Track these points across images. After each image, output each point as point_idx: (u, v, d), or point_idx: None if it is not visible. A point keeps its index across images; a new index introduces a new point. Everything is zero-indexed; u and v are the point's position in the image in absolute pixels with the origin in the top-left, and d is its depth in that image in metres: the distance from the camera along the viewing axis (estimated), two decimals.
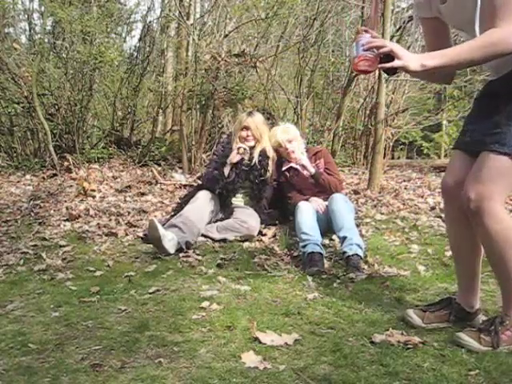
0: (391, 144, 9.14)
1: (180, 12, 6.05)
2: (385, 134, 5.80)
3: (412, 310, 1.98)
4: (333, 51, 9.41)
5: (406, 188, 5.72)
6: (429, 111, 10.83)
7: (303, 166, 3.46)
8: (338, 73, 8.87)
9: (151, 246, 3.05)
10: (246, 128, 3.60)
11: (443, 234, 3.50)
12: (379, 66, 1.58)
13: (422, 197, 5.08)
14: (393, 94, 7.26)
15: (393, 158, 10.86)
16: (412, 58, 1.55)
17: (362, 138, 8.33)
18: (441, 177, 7.95)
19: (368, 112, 8.04)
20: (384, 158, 5.74)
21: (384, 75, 4.92)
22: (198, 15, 7.42)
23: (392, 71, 1.64)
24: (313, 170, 3.45)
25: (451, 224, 1.97)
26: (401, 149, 13.00)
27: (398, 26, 6.81)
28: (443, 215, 4.02)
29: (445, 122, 13.59)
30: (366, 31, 1.63)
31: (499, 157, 1.64)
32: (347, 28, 9.17)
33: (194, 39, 5.73)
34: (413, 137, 13.16)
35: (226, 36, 6.25)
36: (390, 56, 1.55)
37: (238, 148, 3.50)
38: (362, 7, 7.11)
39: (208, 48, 5.80)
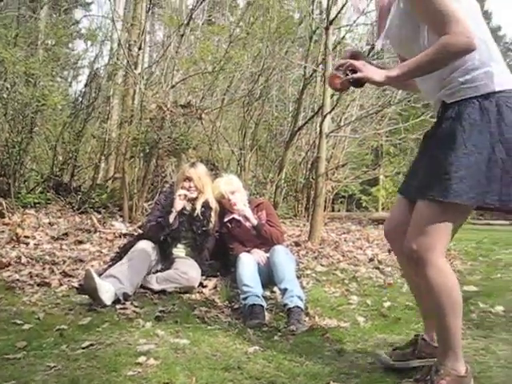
0: (331, 197, 9.42)
1: (128, 61, 6.09)
2: (325, 187, 5.98)
3: (383, 351, 2.05)
4: (276, 106, 9.72)
5: (345, 240, 5.86)
6: (367, 166, 11.31)
7: (246, 218, 3.48)
8: (281, 127, 9.14)
9: (87, 297, 2.91)
10: (189, 179, 3.60)
11: (381, 285, 3.59)
12: (346, 77, 1.74)
13: (361, 249, 5.21)
14: (333, 149, 7.55)
15: (333, 210, 11.16)
16: (376, 72, 1.71)
17: (303, 191, 8.54)
18: (379, 229, 8.23)
19: (309, 166, 8.27)
20: (324, 210, 5.88)
21: (325, 130, 5.12)
22: (145, 65, 7.53)
23: (359, 84, 1.78)
24: (255, 222, 3.47)
25: (403, 266, 2.04)
26: (341, 202, 13.41)
27: None
28: (381, 266, 4.17)
29: (382, 177, 14.22)
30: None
31: (436, 205, 1.68)
32: (290, 85, 9.55)
33: (140, 88, 5.76)
34: (352, 190, 13.63)
35: (172, 87, 6.33)
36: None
37: (179, 195, 3.49)
38: (305, 66, 7.45)
39: (154, 97, 5.84)
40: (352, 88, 1.88)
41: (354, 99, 8.54)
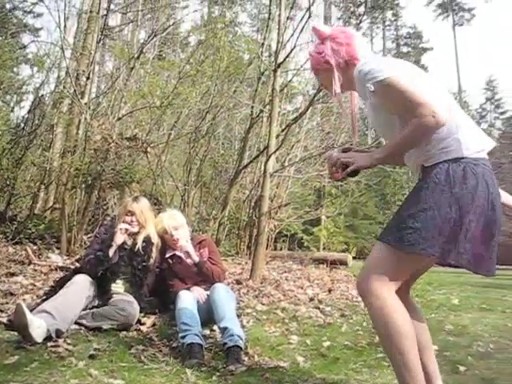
0: (274, 235, 9.50)
1: (75, 90, 6.00)
2: (268, 225, 6.03)
3: None
4: (223, 144, 9.83)
5: (286, 279, 5.90)
6: (309, 206, 11.54)
7: (187, 254, 3.45)
8: (226, 164, 9.21)
9: (16, 333, 2.75)
10: (131, 213, 3.54)
11: (321, 325, 3.63)
12: (343, 173, 1.97)
13: (302, 288, 5.26)
14: (277, 188, 7.67)
15: (275, 249, 11.22)
16: (364, 159, 1.92)
17: (246, 229, 8.57)
18: (320, 269, 8.32)
19: (253, 204, 8.34)
20: (267, 248, 5.93)
21: (269, 170, 5.21)
22: (93, 95, 7.43)
23: (354, 173, 1.99)
24: (197, 259, 3.44)
25: None
26: (283, 240, 13.52)
27: (283, 126, 7.33)
28: (321, 306, 4.22)
29: (323, 217, 14.53)
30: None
31: (387, 249, 1.80)
32: (237, 123, 9.71)
33: (86, 118, 5.67)
34: (294, 229, 13.81)
35: (119, 119, 6.28)
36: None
37: (120, 229, 3.42)
38: (252, 106, 7.61)
39: (100, 129, 5.75)
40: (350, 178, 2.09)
41: (298, 140, 8.78)
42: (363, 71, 1.85)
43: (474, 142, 1.83)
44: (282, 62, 5.50)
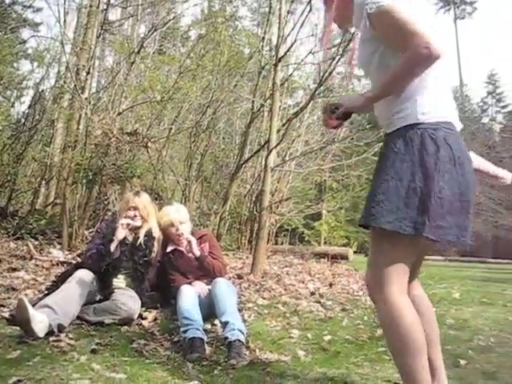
0: (275, 230, 9.51)
1: (75, 85, 5.99)
2: (269, 220, 6.03)
3: None
4: (223, 138, 9.81)
5: (287, 273, 5.91)
6: (310, 201, 11.54)
7: (190, 246, 3.45)
8: (227, 159, 9.21)
9: (18, 328, 2.75)
10: (134, 208, 3.54)
11: (322, 319, 3.64)
12: (335, 115, 1.92)
13: (303, 282, 5.27)
14: (278, 182, 7.66)
15: (276, 243, 11.25)
16: (354, 98, 1.92)
17: (247, 224, 8.58)
18: (321, 263, 8.33)
19: (254, 198, 8.34)
20: (268, 243, 5.93)
21: (270, 164, 5.22)
22: (93, 90, 7.41)
23: (346, 116, 1.96)
24: (198, 253, 3.44)
25: None
26: (284, 235, 13.54)
27: (284, 121, 7.33)
28: (322, 300, 4.23)
29: (324, 212, 14.53)
30: None
31: (377, 235, 1.73)
32: (238, 118, 9.69)
33: (86, 113, 5.66)
34: (295, 224, 13.81)
35: (119, 114, 6.27)
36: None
37: (122, 224, 3.42)
38: (253, 101, 7.60)
39: (100, 123, 5.75)
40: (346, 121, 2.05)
41: (299, 135, 8.77)
42: None
43: (434, 107, 1.74)
44: (282, 56, 5.48)
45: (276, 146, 5.47)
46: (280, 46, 5.48)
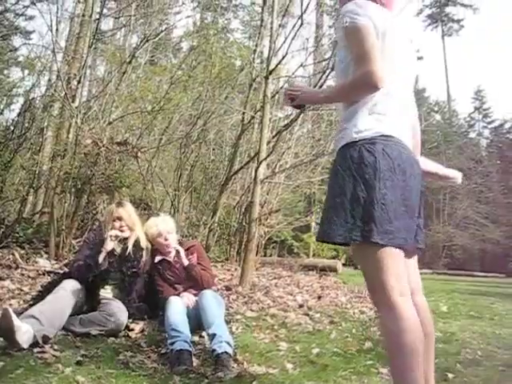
0: (263, 242, 9.49)
1: (66, 94, 5.97)
2: (258, 232, 6.02)
3: None
4: (213, 149, 9.81)
5: (276, 285, 5.89)
6: (299, 213, 11.56)
7: (178, 256, 3.44)
8: (217, 170, 9.21)
9: (1, 339, 2.71)
10: (119, 218, 3.51)
11: (310, 332, 3.63)
12: (289, 104, 2.08)
13: (291, 294, 5.25)
14: (267, 194, 7.66)
15: (265, 255, 11.23)
16: (309, 95, 2.03)
17: (236, 235, 8.55)
18: (309, 275, 8.32)
19: (243, 210, 8.33)
20: (256, 255, 5.92)
21: (260, 176, 5.23)
22: (84, 99, 7.39)
23: (300, 106, 2.14)
24: (186, 262, 3.43)
25: None
26: (273, 247, 13.53)
27: (274, 133, 7.35)
28: (310, 313, 4.22)
29: (313, 224, 14.56)
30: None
31: (357, 249, 1.78)
32: (228, 129, 9.71)
33: (76, 122, 5.64)
34: (284, 236, 13.80)
35: (110, 123, 6.25)
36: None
37: (111, 235, 3.39)
38: (243, 112, 7.63)
39: (90, 133, 5.73)
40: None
41: (289, 147, 8.80)
42: (347, 7, 1.88)
43: (370, 124, 1.82)
44: (273, 69, 5.52)
45: (266, 158, 5.48)
46: (271, 59, 5.52)
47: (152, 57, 10.02)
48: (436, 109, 36.41)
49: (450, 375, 2.64)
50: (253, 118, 7.67)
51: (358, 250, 1.78)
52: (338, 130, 1.93)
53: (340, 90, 1.92)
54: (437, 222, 25.84)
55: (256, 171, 5.37)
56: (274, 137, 6.99)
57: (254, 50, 6.97)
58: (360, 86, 1.80)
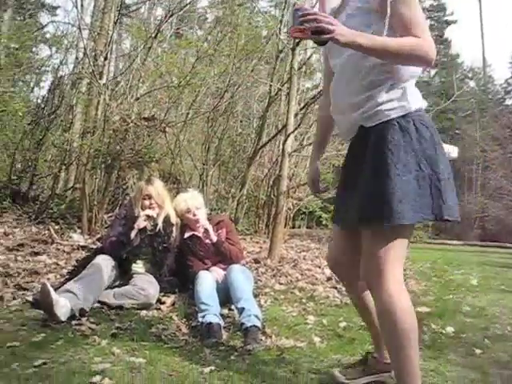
0: (292, 214, 9.52)
1: (93, 71, 6.02)
2: (286, 205, 6.04)
3: (336, 370, 2.14)
4: (241, 121, 9.79)
5: (304, 258, 5.92)
6: (328, 184, 11.49)
7: (206, 233, 3.49)
8: (244, 143, 9.20)
9: (41, 311, 2.84)
10: (149, 196, 3.57)
11: (338, 305, 3.66)
12: (311, 36, 1.60)
13: (320, 267, 5.28)
14: (295, 167, 7.63)
15: (293, 227, 11.26)
16: (344, 33, 1.60)
17: (264, 207, 8.58)
18: None
19: (271, 182, 8.34)
20: (285, 227, 5.94)
21: (288, 149, 5.20)
22: (111, 74, 7.44)
23: (322, 42, 1.66)
24: (215, 238, 3.48)
25: (349, 293, 2.19)
26: (301, 218, 13.52)
27: (302, 105, 7.28)
28: (338, 286, 4.25)
29: None
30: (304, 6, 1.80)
31: (381, 232, 1.72)
32: (256, 101, 9.65)
33: (105, 99, 5.70)
34: (313, 207, 13.78)
35: (137, 99, 6.30)
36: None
37: (143, 215, 3.47)
38: (270, 85, 7.56)
39: (118, 109, 5.78)
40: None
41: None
42: None
43: (415, 95, 1.80)
44: (300, 40, 5.42)
45: (293, 132, 5.44)
46: None
47: (177, 29, 9.97)
48: (470, 75, 35.17)
49: (478, 350, 2.64)
50: (279, 90, 7.60)
51: (389, 230, 1.69)
52: (374, 99, 1.75)
53: (392, 47, 1.63)
54: (469, 192, 25.33)
55: (284, 145, 5.34)
56: (301, 109, 6.92)
57: (281, 21, 6.83)
58: (420, 54, 1.64)
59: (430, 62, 1.66)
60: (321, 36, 1.58)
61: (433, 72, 33.45)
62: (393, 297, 1.70)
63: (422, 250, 11.50)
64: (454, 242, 17.36)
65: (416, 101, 1.77)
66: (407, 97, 1.75)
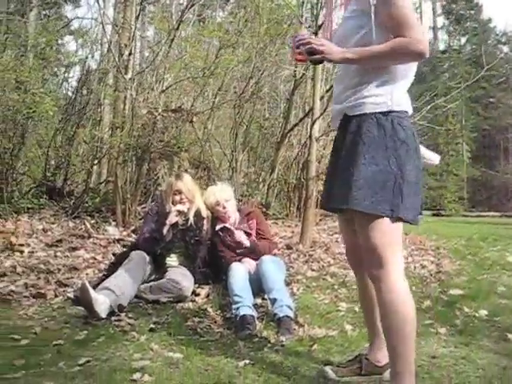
0: None
1: (118, 66, 6.10)
2: (317, 188, 6.04)
3: (328, 367, 2.15)
4: (268, 103, 9.73)
5: (336, 241, 5.91)
6: None
7: (240, 239, 3.55)
8: (272, 128, 9.18)
9: (82, 308, 2.98)
10: (179, 192, 3.65)
11: None
12: (308, 58, 1.85)
13: None
14: (324, 149, 7.59)
15: None
16: (334, 52, 1.82)
17: (295, 191, 8.57)
18: None
19: (301, 166, 8.32)
20: (316, 207, 5.93)
21: (315, 134, 5.19)
22: (137, 67, 7.51)
23: (318, 62, 1.90)
24: (248, 244, 3.53)
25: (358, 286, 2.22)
26: None
27: (328, 86, 7.20)
28: None
29: None
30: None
31: (364, 219, 1.80)
32: (282, 82, 9.58)
33: (131, 94, 5.78)
34: None
35: (163, 91, 6.37)
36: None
37: (174, 211, 3.56)
38: (294, 70, 7.50)
39: (145, 103, 5.87)
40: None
41: None
42: None
43: (402, 98, 1.86)
44: (322, 24, 5.35)
45: (319, 117, 5.41)
46: (319, 14, 5.35)
47: (200, 15, 9.92)
48: (503, 40, 33.82)
49: (511, 336, 2.62)
50: (304, 74, 7.53)
51: (370, 220, 1.78)
52: (362, 90, 1.84)
53: (380, 53, 1.75)
54: (505, 162, 24.64)
55: (311, 129, 5.33)
56: (327, 91, 6.86)
57: (302, 2, 6.72)
58: (407, 53, 1.74)
59: (420, 57, 1.76)
60: (313, 56, 1.83)
61: (463, 39, 32.38)
62: (393, 289, 1.81)
63: (456, 224, 11.30)
64: (491, 213, 16.99)
65: (401, 103, 1.85)
66: (392, 96, 1.82)
